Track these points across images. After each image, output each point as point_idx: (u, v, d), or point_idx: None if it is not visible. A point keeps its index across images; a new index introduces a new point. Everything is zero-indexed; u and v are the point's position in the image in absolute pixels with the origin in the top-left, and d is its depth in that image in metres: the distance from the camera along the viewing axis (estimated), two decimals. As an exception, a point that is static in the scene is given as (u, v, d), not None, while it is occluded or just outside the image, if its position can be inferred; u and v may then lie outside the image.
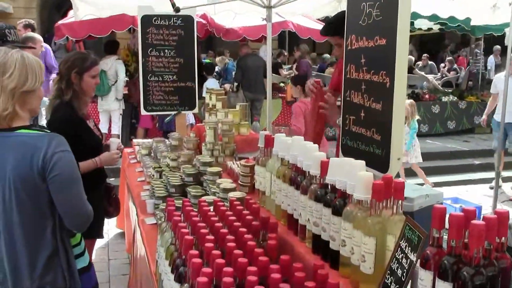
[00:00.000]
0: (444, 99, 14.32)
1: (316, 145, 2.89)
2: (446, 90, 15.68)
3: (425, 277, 1.85)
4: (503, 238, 1.88)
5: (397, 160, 2.91)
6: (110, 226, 7.08)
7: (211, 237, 2.45)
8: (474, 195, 9.31)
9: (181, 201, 3.11)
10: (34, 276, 2.81)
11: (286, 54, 17.09)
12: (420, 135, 10.44)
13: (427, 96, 14.33)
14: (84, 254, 3.06)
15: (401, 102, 2.88)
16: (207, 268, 2.16)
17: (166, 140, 5.88)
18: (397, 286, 2.01)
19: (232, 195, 3.39)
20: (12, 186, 2.74)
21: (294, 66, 15.51)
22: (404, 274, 1.98)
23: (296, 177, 2.88)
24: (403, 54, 2.79)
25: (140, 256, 3.95)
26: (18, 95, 2.75)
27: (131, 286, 4.40)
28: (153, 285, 3.09)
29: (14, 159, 2.74)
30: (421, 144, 9.71)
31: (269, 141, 3.38)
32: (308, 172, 2.76)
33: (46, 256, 2.83)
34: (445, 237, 1.88)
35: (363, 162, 2.48)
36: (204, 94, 8.82)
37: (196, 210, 2.93)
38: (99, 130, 4.68)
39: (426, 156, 9.73)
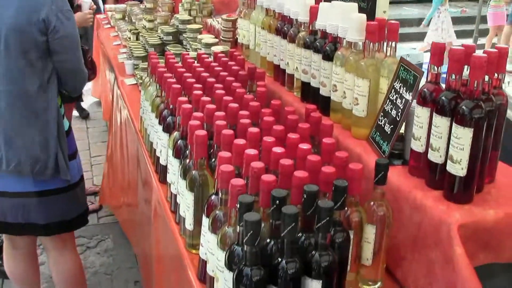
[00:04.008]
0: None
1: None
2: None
3: (421, 113, 1.82)
4: (501, 74, 1.85)
5: (383, 13, 2.81)
6: (86, 96, 6.97)
7: (198, 85, 2.39)
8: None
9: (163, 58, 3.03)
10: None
11: None
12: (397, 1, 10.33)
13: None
14: (64, 118, 3.00)
15: None
16: (197, 113, 2.11)
17: (140, 3, 5.66)
18: (392, 126, 1.99)
19: (215, 49, 3.30)
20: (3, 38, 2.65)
21: None
22: (399, 114, 1.96)
23: (282, 26, 2.78)
24: None
25: (121, 118, 3.91)
26: None
27: (111, 150, 4.38)
28: (138, 142, 3.06)
29: (15, 10, 2.63)
30: (398, 12, 9.58)
31: (253, -7, 3.24)
32: (296, 19, 2.66)
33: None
34: (443, 75, 1.84)
35: (355, 4, 2.39)
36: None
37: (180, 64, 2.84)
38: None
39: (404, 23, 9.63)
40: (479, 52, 1.73)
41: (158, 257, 2.60)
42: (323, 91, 2.40)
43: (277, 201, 1.44)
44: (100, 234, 4.50)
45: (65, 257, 3.15)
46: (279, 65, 2.85)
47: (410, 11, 12.81)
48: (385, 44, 2.17)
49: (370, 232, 1.76)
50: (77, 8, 4.39)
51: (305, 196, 1.49)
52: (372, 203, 1.75)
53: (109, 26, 5.88)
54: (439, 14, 10.08)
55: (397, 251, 1.86)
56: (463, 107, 1.67)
